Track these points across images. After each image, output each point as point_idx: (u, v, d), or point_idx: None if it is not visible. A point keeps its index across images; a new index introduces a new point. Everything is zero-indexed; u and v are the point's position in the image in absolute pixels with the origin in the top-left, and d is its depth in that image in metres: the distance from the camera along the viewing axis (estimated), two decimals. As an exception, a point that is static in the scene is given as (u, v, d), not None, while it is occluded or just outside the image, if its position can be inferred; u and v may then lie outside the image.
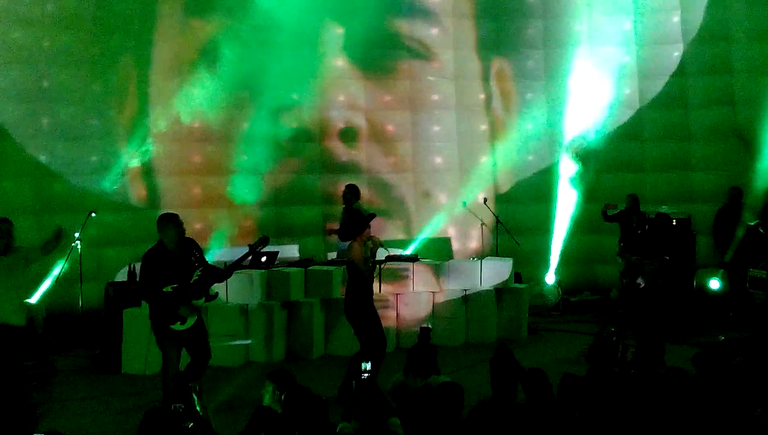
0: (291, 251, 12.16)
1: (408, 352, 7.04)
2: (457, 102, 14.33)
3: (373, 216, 8.93)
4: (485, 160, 14.25)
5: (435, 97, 14.26)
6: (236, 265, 7.91)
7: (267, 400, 5.94)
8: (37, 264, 10.96)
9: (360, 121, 13.87)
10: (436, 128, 14.26)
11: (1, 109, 11.36)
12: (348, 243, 8.90)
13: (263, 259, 10.59)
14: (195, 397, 6.41)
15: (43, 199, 11.67)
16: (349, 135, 13.85)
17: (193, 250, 7.71)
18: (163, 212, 8.09)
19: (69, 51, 11.79)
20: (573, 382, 5.54)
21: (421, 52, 14.08)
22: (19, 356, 7.54)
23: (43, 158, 11.67)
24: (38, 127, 11.69)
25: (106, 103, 12.14)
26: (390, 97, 14.03)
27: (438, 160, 14.27)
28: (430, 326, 8.43)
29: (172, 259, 7.54)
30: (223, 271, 7.78)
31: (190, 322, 7.54)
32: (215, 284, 7.71)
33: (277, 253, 11.03)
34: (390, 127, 14.06)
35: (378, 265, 9.68)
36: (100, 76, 12.06)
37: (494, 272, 11.43)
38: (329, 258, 11.74)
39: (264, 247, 7.91)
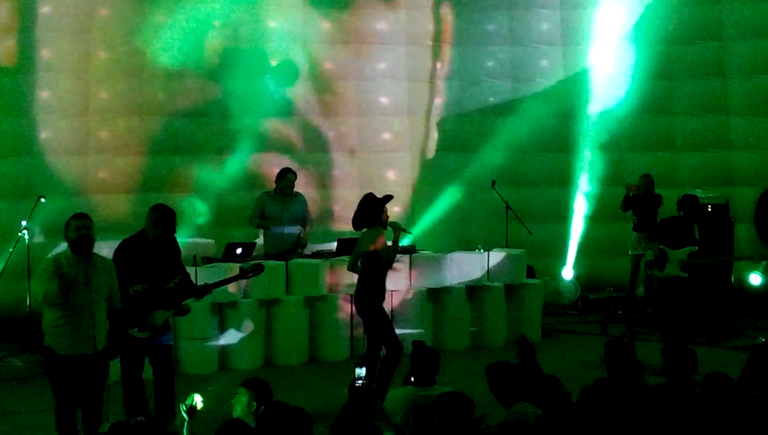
0: None
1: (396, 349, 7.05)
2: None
3: (389, 198, 8.96)
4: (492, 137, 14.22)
5: (439, 65, 14.24)
6: (217, 285, 7.97)
7: (238, 411, 5.93)
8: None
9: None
10: (438, 100, 14.24)
11: None
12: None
13: (238, 250, 10.58)
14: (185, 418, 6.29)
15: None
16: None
17: (174, 251, 7.72)
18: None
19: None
20: (594, 395, 5.53)
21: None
22: None
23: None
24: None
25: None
26: (385, 65, 14.02)
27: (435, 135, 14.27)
28: (421, 340, 8.54)
29: (151, 255, 7.54)
30: (201, 287, 7.88)
31: (151, 331, 7.53)
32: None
33: (254, 244, 11.02)
34: (384, 100, 14.04)
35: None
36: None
37: (502, 265, 11.46)
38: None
39: (257, 275, 7.98)
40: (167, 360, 7.84)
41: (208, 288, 7.92)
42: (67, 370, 6.76)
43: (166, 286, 7.57)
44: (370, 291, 8.80)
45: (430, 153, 14.26)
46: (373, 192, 9.07)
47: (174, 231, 7.77)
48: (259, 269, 8.01)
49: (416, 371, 6.59)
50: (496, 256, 11.55)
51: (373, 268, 8.78)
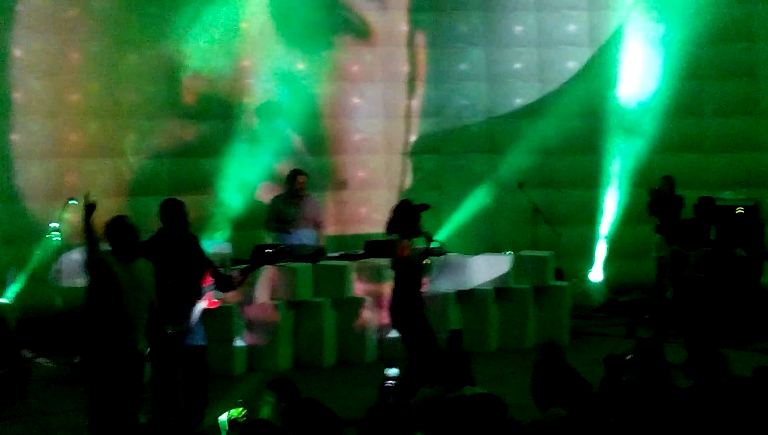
0: None
1: (437, 359, 7.08)
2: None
3: (425, 207, 8.97)
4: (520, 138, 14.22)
5: (462, 66, 14.26)
6: (249, 270, 8.05)
7: (266, 412, 5.98)
8: (8, 257, 11.26)
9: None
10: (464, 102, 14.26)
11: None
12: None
13: (267, 250, 10.64)
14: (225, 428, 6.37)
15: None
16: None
17: (196, 244, 7.81)
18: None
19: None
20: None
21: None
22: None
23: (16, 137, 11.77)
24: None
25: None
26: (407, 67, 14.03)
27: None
28: (460, 328, 8.48)
29: (177, 248, 7.64)
30: (233, 277, 7.93)
31: (188, 324, 7.61)
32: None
33: (284, 248, 11.07)
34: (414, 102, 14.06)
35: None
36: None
37: (530, 268, 11.48)
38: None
39: (286, 258, 8.03)
40: (202, 361, 7.88)
41: (244, 274, 7.93)
42: (118, 371, 6.80)
43: (195, 280, 7.64)
44: (403, 300, 8.72)
45: (456, 155, 14.27)
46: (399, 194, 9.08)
47: (188, 223, 7.84)
48: (284, 253, 7.96)
49: (446, 372, 6.61)
50: (524, 259, 11.57)
51: (404, 276, 8.74)
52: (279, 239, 11.13)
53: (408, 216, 8.78)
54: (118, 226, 6.87)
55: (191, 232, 7.99)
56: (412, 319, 8.67)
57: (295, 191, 11.19)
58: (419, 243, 8.91)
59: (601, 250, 13.97)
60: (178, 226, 7.76)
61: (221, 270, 8.18)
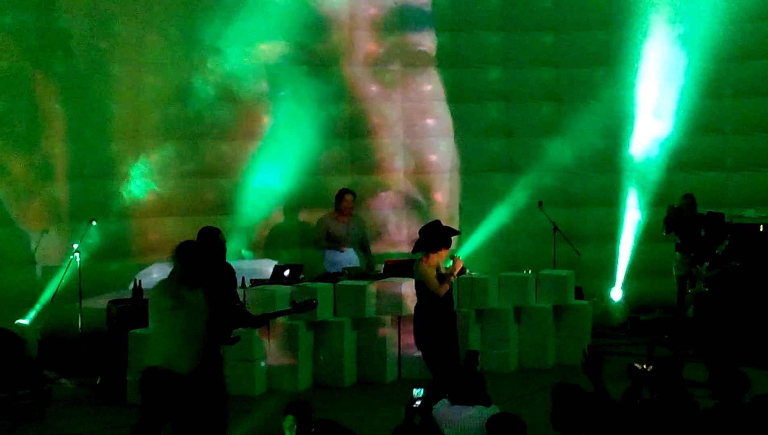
0: None
1: (452, 378, 7.11)
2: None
3: (456, 232, 9.12)
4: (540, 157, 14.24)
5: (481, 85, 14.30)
6: (273, 316, 8.10)
7: (288, 435, 6.08)
8: (30, 278, 11.37)
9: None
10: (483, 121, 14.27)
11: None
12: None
13: (286, 272, 10.74)
14: None
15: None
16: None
17: (230, 276, 7.88)
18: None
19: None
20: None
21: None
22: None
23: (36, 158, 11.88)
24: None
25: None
26: (431, 87, 14.09)
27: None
28: (477, 350, 8.49)
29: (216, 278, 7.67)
30: (256, 318, 7.98)
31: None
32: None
33: (302, 266, 11.17)
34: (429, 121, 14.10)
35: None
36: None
37: (550, 287, 11.52)
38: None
39: (310, 310, 8.08)
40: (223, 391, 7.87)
41: (262, 318, 8.02)
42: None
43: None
44: (424, 322, 8.73)
45: (476, 174, 14.29)
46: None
47: (224, 253, 7.92)
48: (310, 305, 7.97)
49: (459, 393, 6.62)
50: (544, 278, 11.59)
51: (425, 298, 8.76)
52: (330, 257, 11.43)
53: (437, 238, 8.75)
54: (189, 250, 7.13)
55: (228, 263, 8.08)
56: (433, 339, 8.68)
57: (343, 210, 11.39)
58: (447, 265, 8.91)
59: (621, 269, 13.96)
60: (217, 255, 7.82)
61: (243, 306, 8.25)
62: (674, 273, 12.62)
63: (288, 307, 8.16)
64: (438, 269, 8.72)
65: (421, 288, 8.77)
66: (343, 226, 11.37)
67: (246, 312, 7.96)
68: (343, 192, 11.64)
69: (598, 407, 5.83)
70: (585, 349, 6.32)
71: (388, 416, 8.15)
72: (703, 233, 11.18)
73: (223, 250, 7.96)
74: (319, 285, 10.64)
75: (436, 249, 8.69)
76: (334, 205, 11.74)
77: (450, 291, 8.84)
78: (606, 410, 5.89)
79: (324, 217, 11.70)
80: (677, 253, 12.54)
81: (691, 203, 12.55)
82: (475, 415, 6.37)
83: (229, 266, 8.11)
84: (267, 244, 13.07)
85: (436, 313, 8.70)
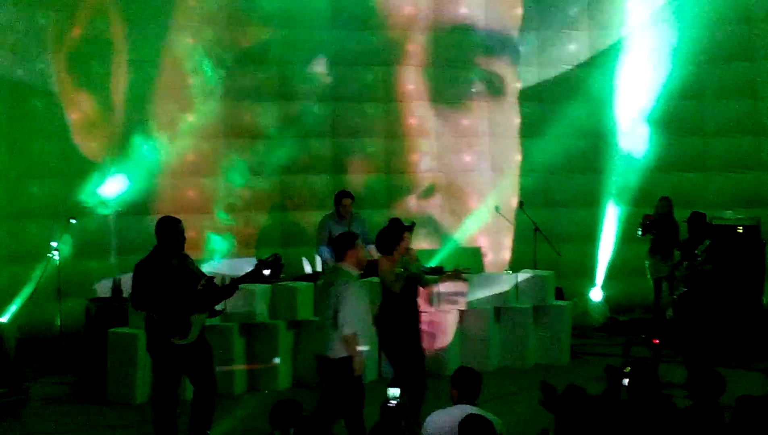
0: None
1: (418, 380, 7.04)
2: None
3: (410, 226, 9.06)
4: (520, 157, 14.31)
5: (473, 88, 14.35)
6: (241, 280, 8.10)
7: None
8: (7, 278, 11.36)
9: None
10: (465, 122, 14.32)
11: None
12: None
13: (266, 271, 10.74)
14: None
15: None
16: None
17: (189, 261, 7.94)
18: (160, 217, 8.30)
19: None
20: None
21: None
22: None
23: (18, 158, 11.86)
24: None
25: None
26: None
27: (467, 158, 14.33)
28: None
29: (171, 268, 7.77)
30: (226, 286, 7.95)
31: (194, 334, 7.71)
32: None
33: (282, 264, 11.18)
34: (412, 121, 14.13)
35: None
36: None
37: (530, 287, 11.59)
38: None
39: (276, 267, 8.11)
40: (209, 363, 8.01)
41: (232, 285, 7.97)
42: None
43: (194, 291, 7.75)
44: (385, 319, 8.79)
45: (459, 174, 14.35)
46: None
47: (184, 240, 7.99)
48: (276, 262, 8.05)
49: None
50: (525, 278, 11.68)
51: (386, 296, 8.82)
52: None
53: (391, 234, 8.85)
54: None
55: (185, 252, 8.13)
56: (393, 336, 8.75)
57: (341, 213, 11.49)
58: (410, 264, 8.91)
59: (602, 269, 14.06)
60: (173, 245, 7.89)
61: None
62: (648, 276, 12.68)
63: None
64: (405, 265, 8.76)
65: (382, 286, 8.87)
66: (343, 226, 11.40)
67: (215, 285, 7.93)
68: (340, 195, 11.74)
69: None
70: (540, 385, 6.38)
71: (367, 414, 8.19)
72: (686, 235, 11.25)
73: (182, 240, 7.99)
74: (299, 284, 10.69)
75: (389, 251, 8.75)
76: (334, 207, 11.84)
77: (413, 289, 8.89)
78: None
79: (325, 219, 11.78)
80: (650, 256, 12.57)
81: (668, 206, 12.62)
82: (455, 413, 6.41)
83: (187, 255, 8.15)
84: (248, 243, 13.09)
85: (396, 310, 8.76)
